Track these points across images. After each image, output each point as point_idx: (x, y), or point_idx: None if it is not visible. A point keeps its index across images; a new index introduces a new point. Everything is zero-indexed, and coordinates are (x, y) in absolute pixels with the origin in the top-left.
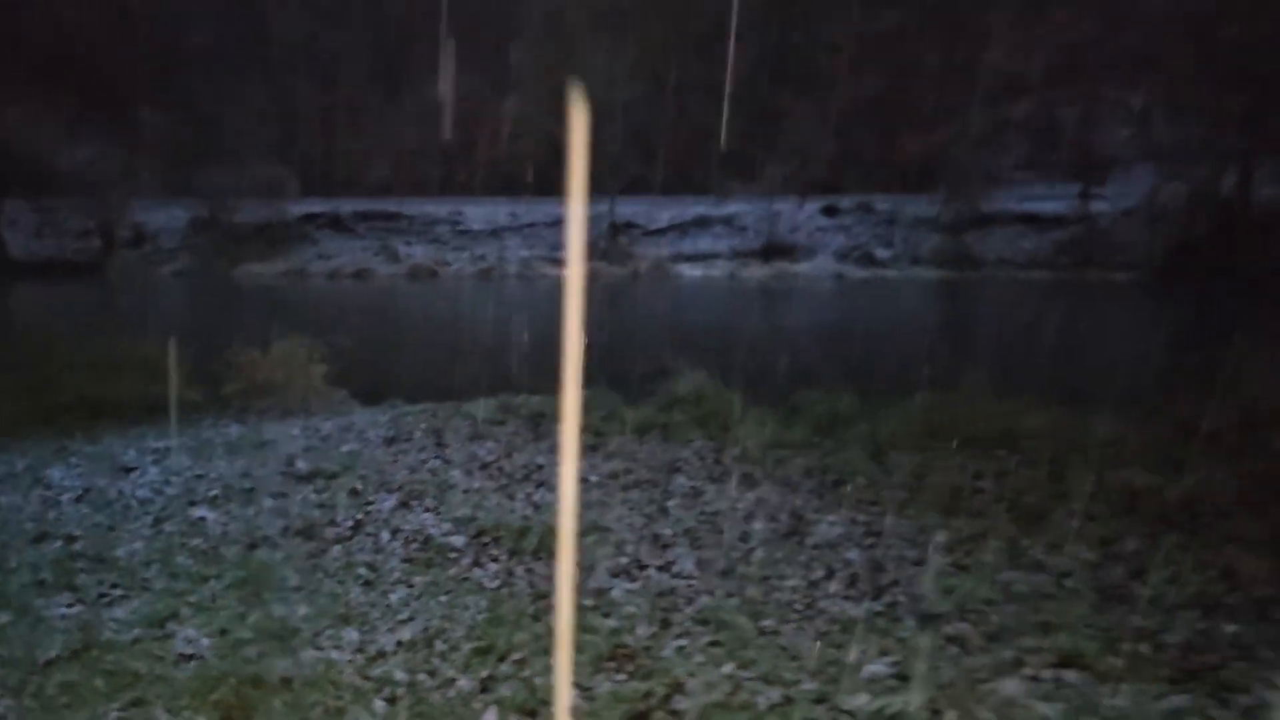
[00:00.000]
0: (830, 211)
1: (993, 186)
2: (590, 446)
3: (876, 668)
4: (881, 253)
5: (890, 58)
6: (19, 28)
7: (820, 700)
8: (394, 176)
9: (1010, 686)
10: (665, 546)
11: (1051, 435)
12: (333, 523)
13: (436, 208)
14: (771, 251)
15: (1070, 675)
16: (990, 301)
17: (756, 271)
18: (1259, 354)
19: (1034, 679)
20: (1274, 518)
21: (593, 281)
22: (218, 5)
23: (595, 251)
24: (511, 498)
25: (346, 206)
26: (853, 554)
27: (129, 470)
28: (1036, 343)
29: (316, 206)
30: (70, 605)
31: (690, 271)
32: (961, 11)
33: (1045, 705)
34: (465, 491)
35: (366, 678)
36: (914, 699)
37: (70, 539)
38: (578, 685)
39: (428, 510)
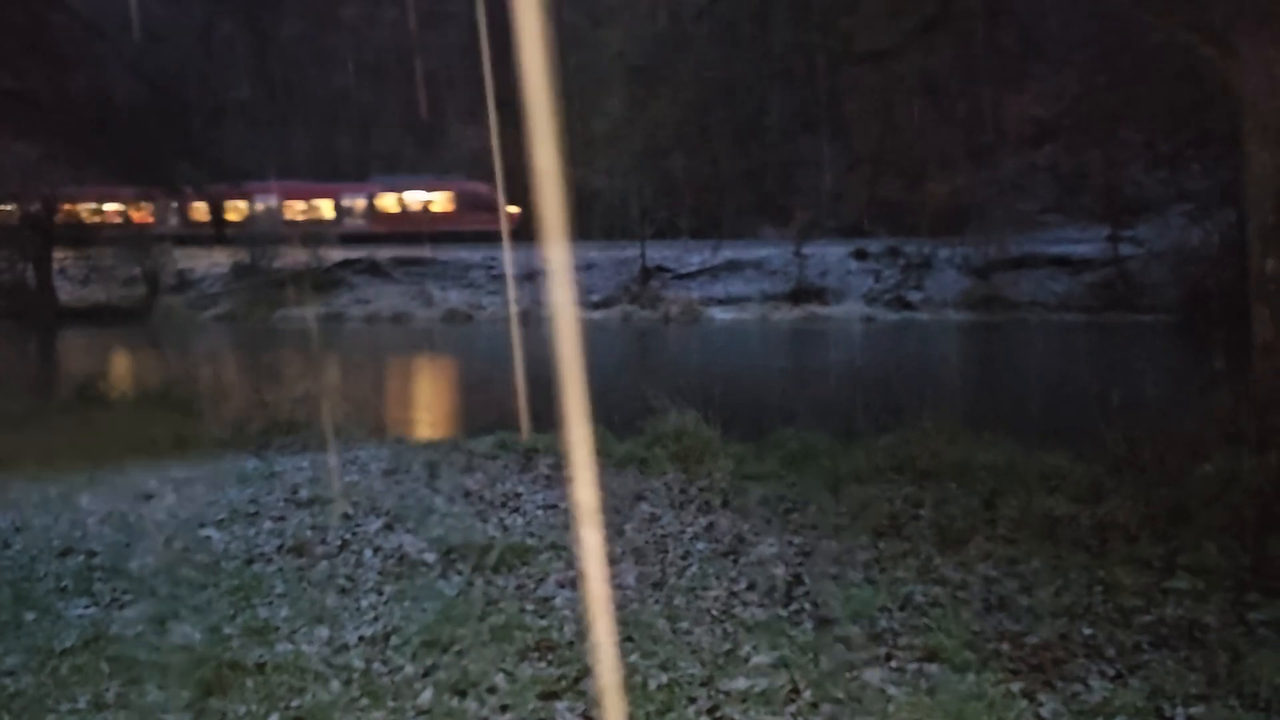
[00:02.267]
0: (860, 255)
1: (1022, 229)
2: (569, 477)
3: (762, 659)
4: (912, 295)
5: (919, 103)
6: (63, 90)
7: (705, 683)
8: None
9: (873, 675)
10: (612, 563)
11: (999, 468)
12: (323, 542)
13: (470, 253)
14: (801, 295)
15: (930, 668)
16: (1012, 343)
17: (787, 314)
18: (1223, 388)
19: (897, 670)
20: (1174, 541)
21: (624, 324)
22: (259, 61)
23: (627, 295)
24: (485, 521)
25: (383, 252)
26: (779, 570)
27: (149, 497)
28: (1038, 382)
29: (355, 253)
30: (86, 607)
31: (721, 314)
32: (989, 57)
33: (894, 688)
34: (444, 516)
35: (329, 665)
36: (783, 681)
37: (91, 554)
38: (504, 670)
39: (408, 531)
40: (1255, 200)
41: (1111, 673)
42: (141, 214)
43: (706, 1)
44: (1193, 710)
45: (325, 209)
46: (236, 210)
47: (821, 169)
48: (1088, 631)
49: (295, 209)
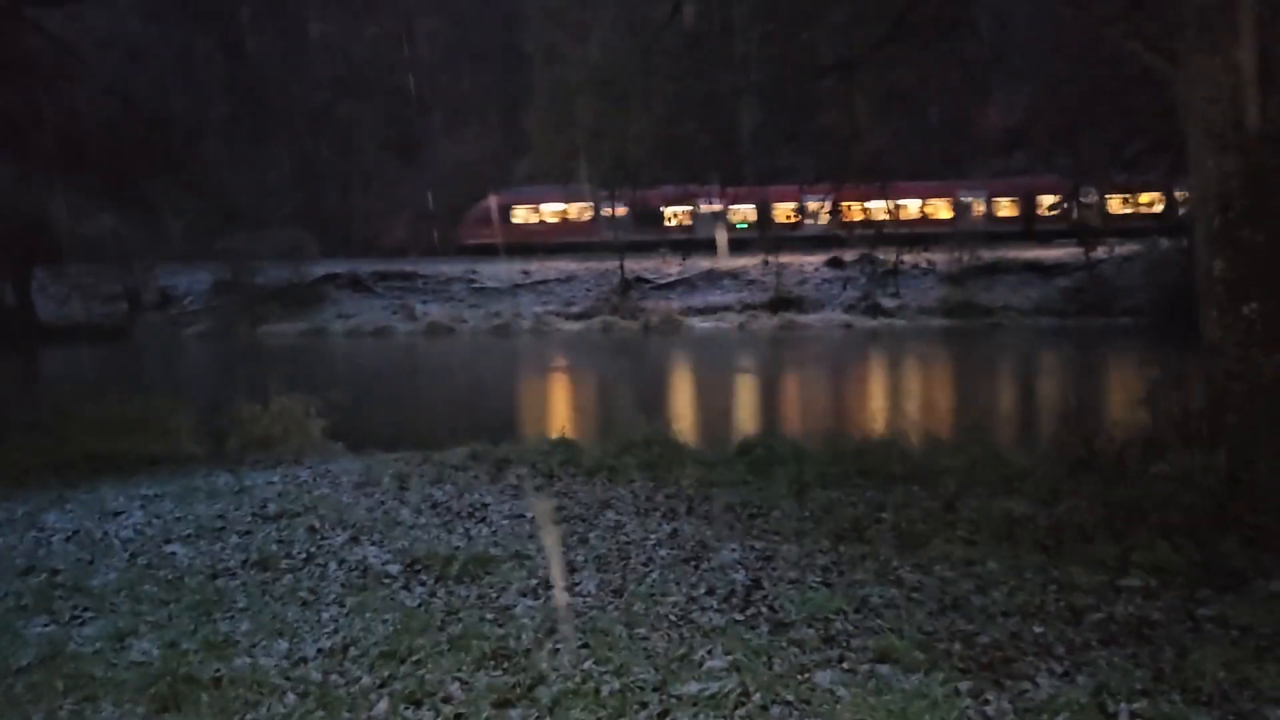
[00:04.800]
0: (835, 263)
1: (992, 237)
2: (537, 487)
3: (716, 663)
4: (889, 303)
5: (889, 113)
6: (39, 109)
7: (657, 688)
8: (411, 238)
9: (824, 676)
10: (574, 571)
11: (962, 470)
12: (288, 556)
13: (451, 267)
14: (779, 303)
15: (881, 668)
16: (983, 347)
17: (765, 323)
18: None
19: (849, 671)
20: (1129, 540)
21: (605, 335)
22: (238, 77)
23: (607, 306)
24: (450, 532)
25: (365, 267)
26: (738, 575)
27: (117, 514)
28: (1004, 384)
29: (336, 268)
30: (45, 625)
31: (701, 324)
32: (955, 67)
33: (843, 689)
34: (410, 527)
35: (287, 677)
36: (734, 685)
37: (54, 572)
38: (460, 679)
39: (374, 544)
40: (1202, 204)
41: (1060, 670)
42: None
43: (669, 15)
44: (1136, 706)
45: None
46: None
47: (794, 179)
48: (1039, 630)
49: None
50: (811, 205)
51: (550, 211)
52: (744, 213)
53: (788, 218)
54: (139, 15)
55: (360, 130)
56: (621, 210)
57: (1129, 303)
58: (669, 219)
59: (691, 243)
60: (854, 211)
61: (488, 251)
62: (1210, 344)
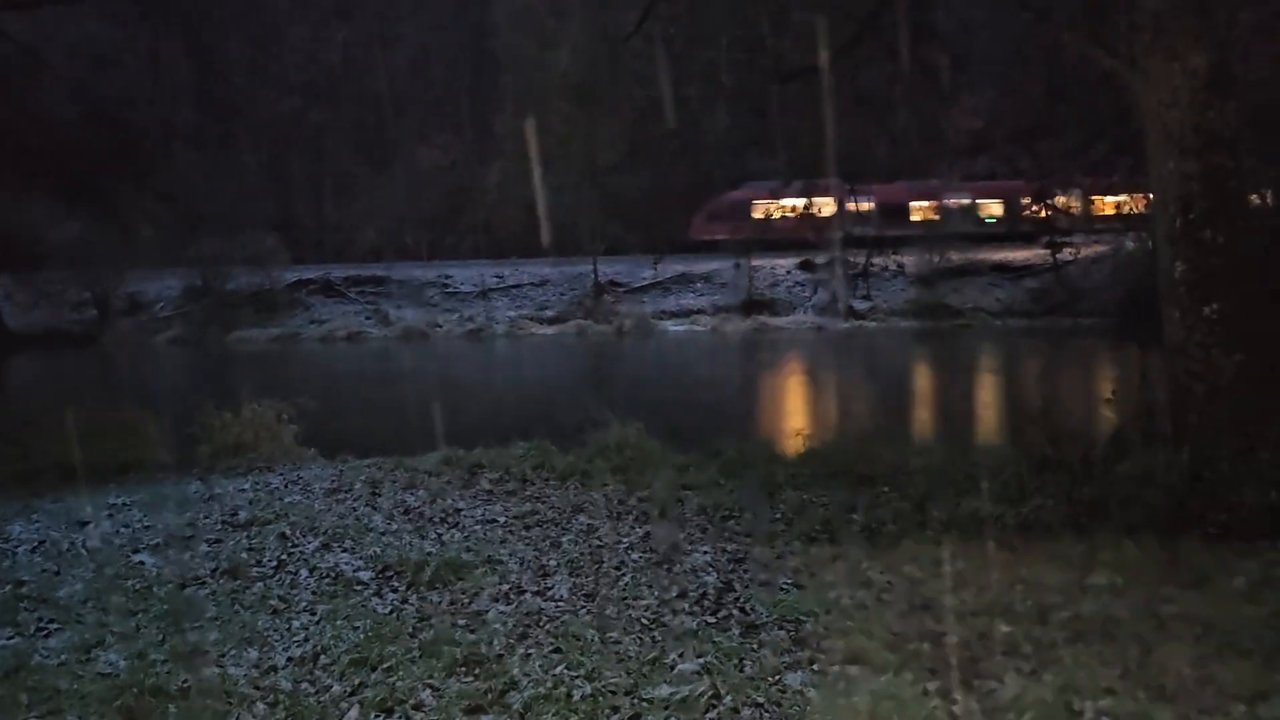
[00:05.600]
0: (807, 266)
1: (964, 238)
2: (510, 491)
3: (687, 666)
4: (860, 304)
5: (856, 117)
6: (4, 115)
7: (629, 692)
8: (384, 242)
9: (794, 678)
10: (546, 575)
11: (931, 471)
12: (258, 564)
13: (425, 271)
14: (752, 306)
15: (851, 669)
16: (955, 349)
17: (738, 326)
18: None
19: (819, 672)
20: (1094, 538)
21: (579, 339)
22: (208, 83)
23: (580, 310)
24: (423, 537)
25: (338, 272)
26: (710, 577)
27: (84, 524)
28: (975, 385)
29: (308, 273)
30: (10, 638)
31: (674, 328)
32: (920, 72)
33: (813, 690)
34: (382, 534)
35: (256, 687)
36: (705, 688)
37: (19, 583)
38: (431, 686)
39: (345, 550)
40: (1162, 206)
41: (1027, 669)
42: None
43: (637, 21)
44: (1101, 704)
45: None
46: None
47: (766, 182)
48: (1006, 629)
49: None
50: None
51: (791, 207)
52: (990, 207)
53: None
54: (106, 21)
55: (333, 135)
56: (865, 205)
57: (1095, 303)
58: (915, 214)
59: (938, 237)
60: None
61: (724, 248)
62: (1172, 344)
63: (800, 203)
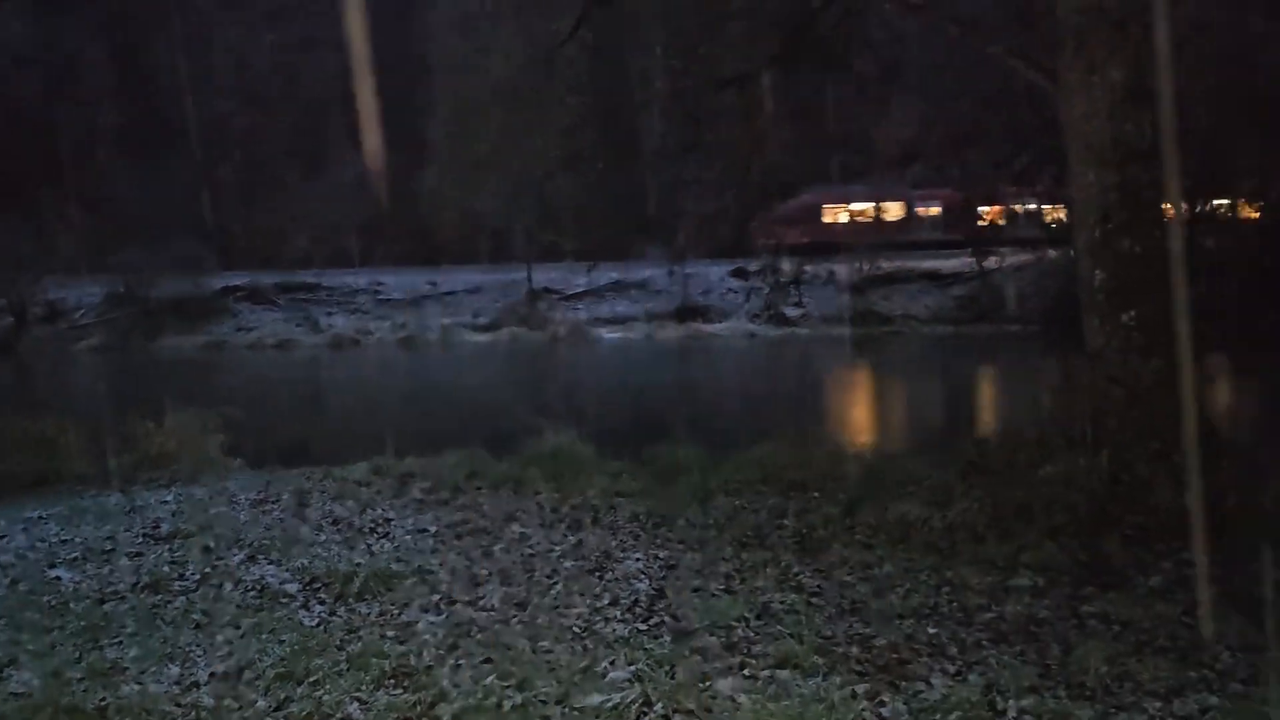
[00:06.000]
0: (740, 274)
1: (891, 246)
2: (441, 501)
3: (618, 674)
4: (792, 311)
5: (789, 126)
6: None
7: (560, 701)
8: (315, 249)
9: (725, 684)
10: (478, 584)
11: (861, 476)
12: (181, 577)
13: (356, 278)
14: (686, 313)
15: (782, 674)
16: (885, 355)
17: (672, 333)
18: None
19: (749, 677)
20: (1018, 541)
21: (513, 346)
22: (139, 85)
23: (514, 317)
24: (352, 548)
25: (266, 279)
26: (642, 584)
27: None
28: (900, 390)
29: (237, 279)
30: None
31: (608, 334)
32: (851, 82)
33: (744, 695)
34: (310, 545)
35: (178, 704)
36: (635, 695)
37: None
38: (359, 699)
39: (271, 563)
40: (1083, 216)
41: (952, 670)
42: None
43: (572, 28)
44: (1024, 702)
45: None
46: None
47: (700, 190)
48: (933, 631)
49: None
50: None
51: (861, 210)
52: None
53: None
54: (27, 19)
55: (265, 140)
56: (934, 210)
57: (1020, 310)
58: (984, 218)
59: (1005, 240)
60: None
61: (796, 252)
62: (1092, 350)
63: (868, 206)
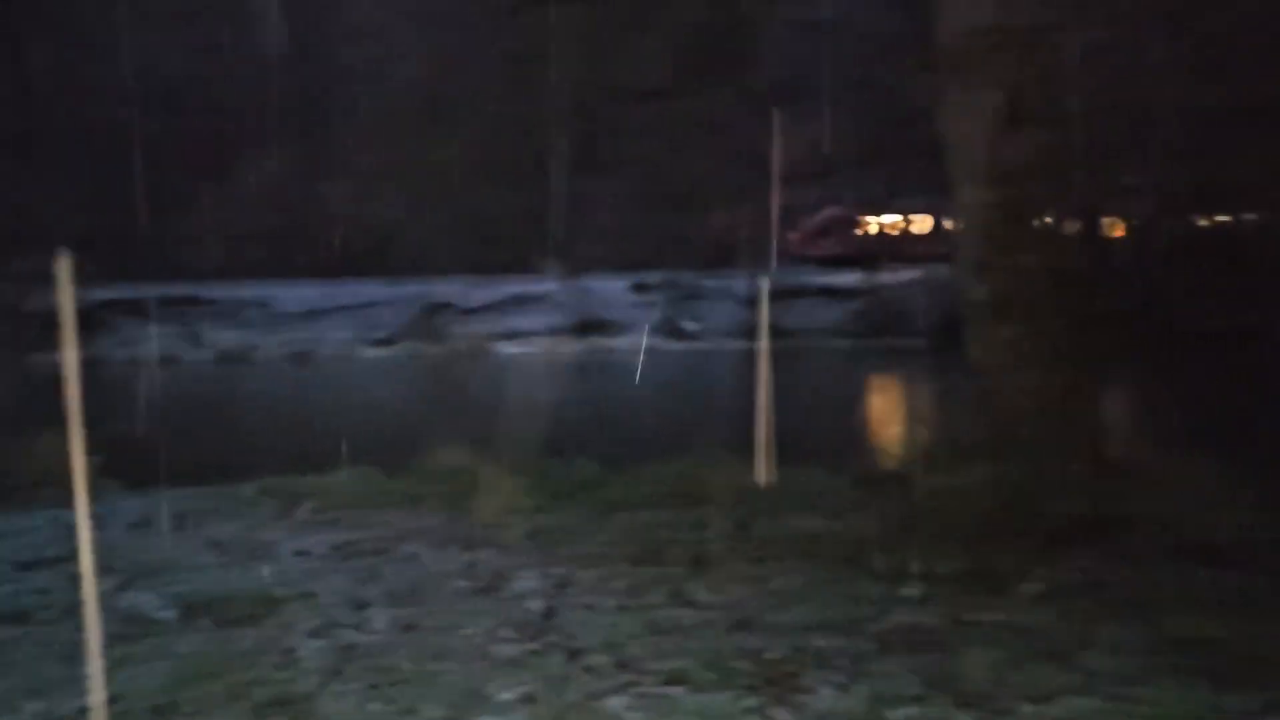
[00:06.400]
0: (641, 288)
1: (793, 261)
2: (330, 521)
3: (508, 695)
4: (693, 326)
5: (697, 141)
6: None
7: None
8: (208, 261)
9: (615, 702)
10: (364, 607)
11: (760, 489)
12: (47, 606)
13: (244, 291)
14: (586, 327)
15: (673, 690)
16: (782, 369)
17: (572, 347)
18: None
19: (640, 695)
20: (908, 551)
21: (410, 361)
22: (24, 88)
23: (412, 332)
24: (233, 572)
25: (150, 292)
26: (535, 603)
27: None
28: (800, 404)
29: (122, 292)
30: None
31: (508, 349)
32: (760, 99)
33: (634, 713)
34: (189, 569)
35: None
36: (524, 716)
37: None
38: None
39: (146, 589)
40: (965, 234)
41: (839, 681)
42: None
43: (485, 40)
44: (908, 711)
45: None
46: None
47: (603, 204)
48: (822, 643)
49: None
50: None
51: (891, 224)
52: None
53: None
54: None
55: (161, 148)
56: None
57: (911, 325)
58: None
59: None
60: None
61: (828, 263)
62: (977, 364)
63: (899, 219)
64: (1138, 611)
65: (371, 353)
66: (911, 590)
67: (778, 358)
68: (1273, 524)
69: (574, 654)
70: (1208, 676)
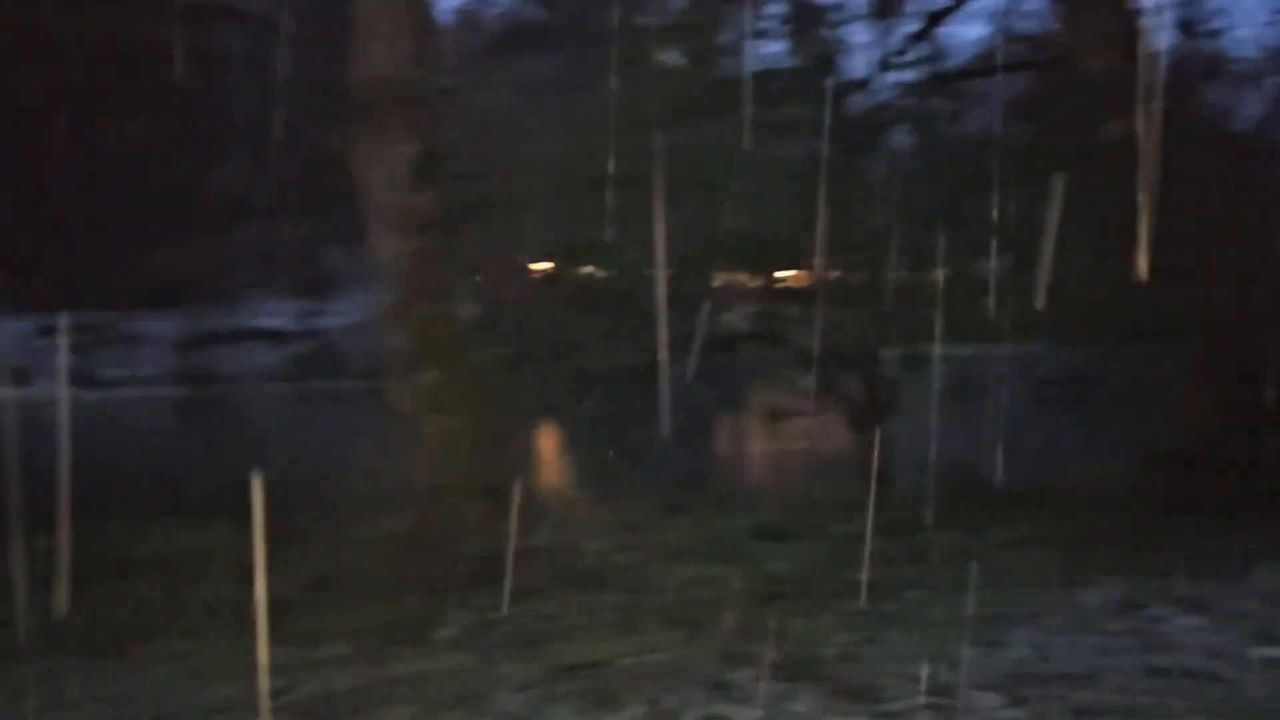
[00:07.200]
0: (48, 331)
1: (229, 304)
2: None
3: None
4: (113, 372)
5: (138, 175)
6: None
7: None
8: None
9: None
10: None
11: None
12: None
13: None
14: None
15: None
16: (212, 417)
17: None
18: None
19: None
20: (328, 609)
21: None
22: None
23: None
24: None
25: None
26: None
27: None
28: (219, 457)
29: None
30: None
31: None
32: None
33: None
34: None
35: None
36: None
37: None
38: None
39: None
40: (381, 281)
41: None
42: None
43: None
44: None
45: None
46: None
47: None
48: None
49: None
50: None
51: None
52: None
53: None
54: None
55: None
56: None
57: (358, 366)
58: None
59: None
60: None
61: None
62: (397, 409)
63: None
64: (537, 643)
65: None
66: (330, 650)
67: (205, 405)
68: (637, 545)
69: None
70: (597, 698)
